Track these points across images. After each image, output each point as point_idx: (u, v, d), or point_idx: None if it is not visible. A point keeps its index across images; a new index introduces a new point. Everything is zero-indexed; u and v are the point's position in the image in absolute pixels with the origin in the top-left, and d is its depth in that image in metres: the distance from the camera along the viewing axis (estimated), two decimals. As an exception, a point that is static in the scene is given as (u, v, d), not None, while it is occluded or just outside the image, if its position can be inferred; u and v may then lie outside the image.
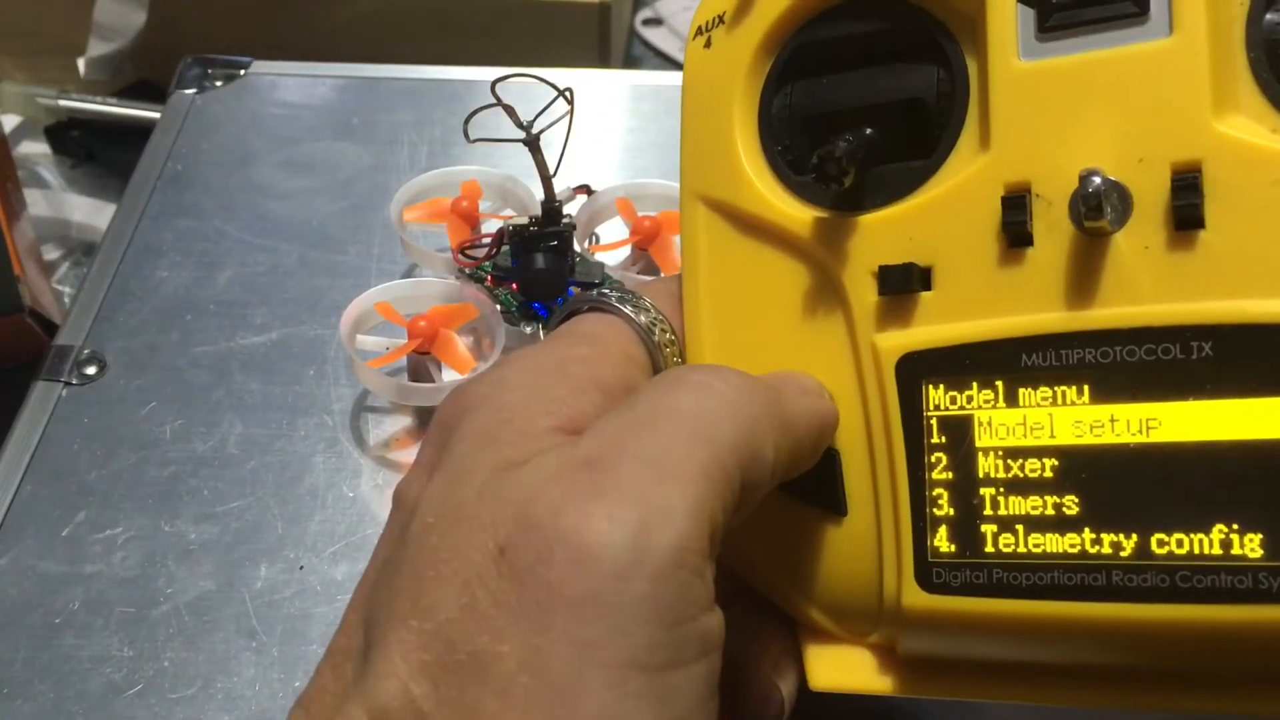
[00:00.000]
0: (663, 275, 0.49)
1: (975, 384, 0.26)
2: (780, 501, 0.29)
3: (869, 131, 0.28)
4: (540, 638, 0.22)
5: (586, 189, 0.50)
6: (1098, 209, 0.24)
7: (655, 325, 0.30)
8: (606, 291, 0.30)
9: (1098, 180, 0.24)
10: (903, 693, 0.28)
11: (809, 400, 0.28)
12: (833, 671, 0.29)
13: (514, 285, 0.46)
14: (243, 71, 0.63)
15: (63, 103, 0.76)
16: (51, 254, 0.70)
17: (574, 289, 0.46)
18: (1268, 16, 0.25)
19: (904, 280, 0.27)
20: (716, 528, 0.24)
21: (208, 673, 0.38)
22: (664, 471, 0.23)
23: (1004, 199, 0.26)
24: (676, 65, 0.83)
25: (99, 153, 0.75)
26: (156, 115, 0.62)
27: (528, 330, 0.47)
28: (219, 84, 0.62)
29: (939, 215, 0.27)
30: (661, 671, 0.22)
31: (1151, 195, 0.25)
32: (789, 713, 0.29)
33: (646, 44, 0.85)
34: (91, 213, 0.72)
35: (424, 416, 0.46)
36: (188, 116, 0.60)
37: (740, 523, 0.25)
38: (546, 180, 0.45)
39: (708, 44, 0.32)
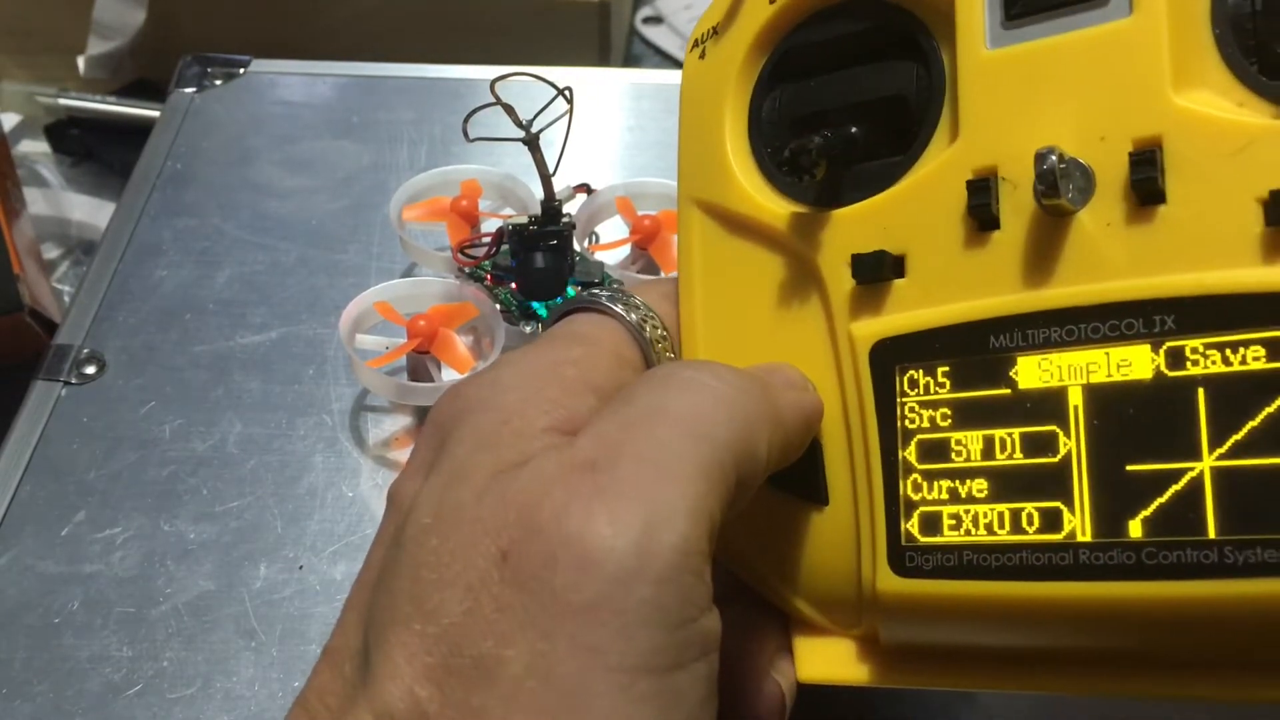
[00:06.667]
0: (661, 275, 0.49)
1: (946, 367, 0.26)
2: (764, 493, 0.29)
3: (854, 130, 0.29)
4: (546, 643, 0.22)
5: (586, 188, 0.50)
6: (1054, 187, 0.25)
7: (646, 322, 0.30)
8: (597, 291, 0.31)
9: (1053, 158, 0.24)
10: (887, 683, 0.28)
11: (795, 394, 0.28)
12: (819, 663, 0.29)
13: (513, 284, 0.46)
14: (242, 70, 0.63)
15: (62, 101, 0.76)
16: (51, 253, 0.70)
17: (574, 288, 0.46)
18: None
19: (876, 268, 0.28)
20: (715, 527, 0.24)
21: (207, 673, 0.38)
22: (663, 472, 0.23)
23: (969, 183, 0.27)
24: (677, 64, 0.83)
25: (98, 151, 0.75)
26: (156, 114, 0.62)
27: (528, 329, 0.46)
28: (218, 82, 0.62)
29: (910, 204, 0.28)
30: (666, 674, 0.22)
31: (1113, 172, 0.25)
32: (791, 708, 0.29)
33: (647, 42, 0.84)
34: (91, 211, 0.72)
35: (424, 416, 0.46)
36: (187, 115, 0.60)
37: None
38: (546, 179, 0.45)
39: (702, 55, 0.33)
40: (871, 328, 0.28)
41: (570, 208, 0.47)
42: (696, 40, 0.33)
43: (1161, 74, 0.25)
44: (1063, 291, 0.25)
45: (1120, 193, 0.25)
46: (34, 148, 0.76)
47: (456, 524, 0.23)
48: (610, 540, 0.22)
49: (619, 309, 0.30)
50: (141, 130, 0.62)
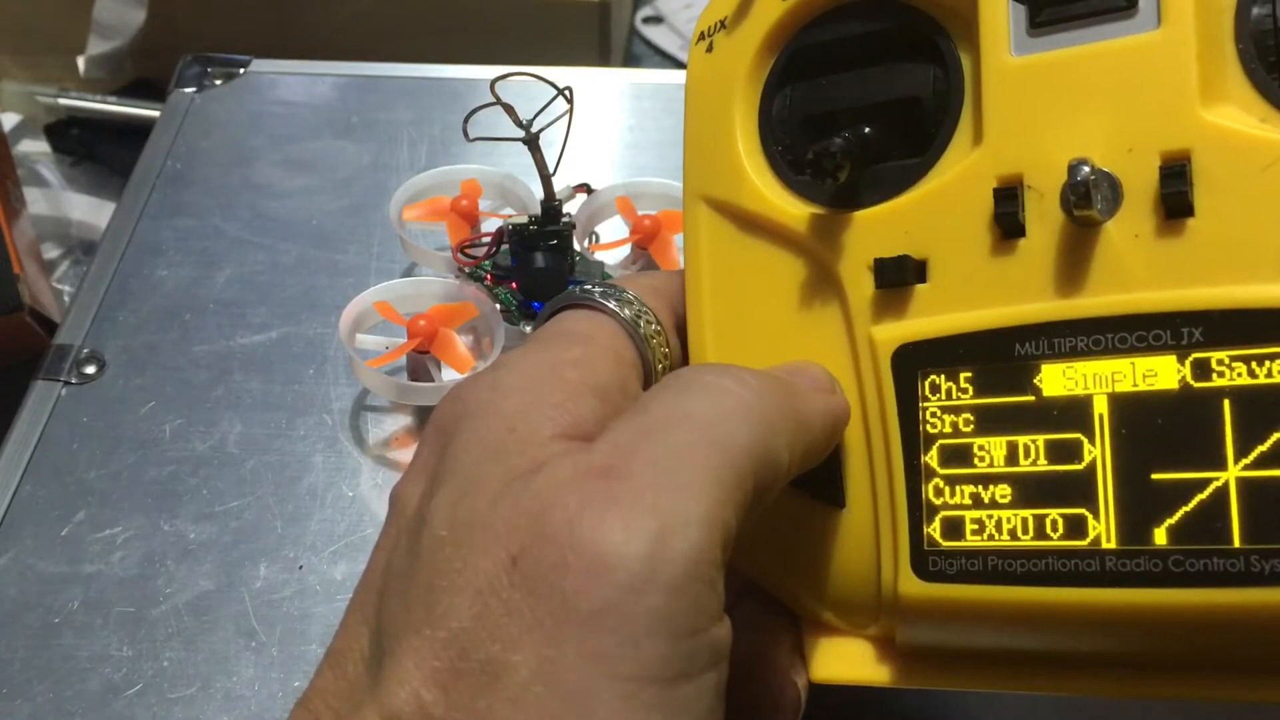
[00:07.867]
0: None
1: (969, 373, 0.26)
2: (781, 495, 0.29)
3: (867, 130, 0.29)
4: (553, 648, 0.22)
5: (586, 188, 0.50)
6: (1086, 197, 0.25)
7: (640, 318, 0.30)
8: (589, 287, 0.30)
9: (1086, 169, 0.25)
10: (902, 684, 0.28)
11: (823, 397, 0.28)
12: (833, 663, 0.29)
13: (514, 284, 0.46)
14: (242, 70, 0.63)
15: (62, 101, 0.76)
16: (51, 253, 0.70)
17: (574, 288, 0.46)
18: (1255, 10, 0.25)
19: (899, 272, 0.28)
20: (729, 536, 0.23)
21: (207, 673, 0.38)
22: (678, 480, 0.23)
23: (996, 191, 0.27)
24: (677, 63, 0.83)
25: (99, 151, 0.75)
26: (156, 114, 0.62)
27: (527, 329, 0.46)
28: (218, 82, 0.62)
29: (933, 209, 0.28)
30: (673, 683, 0.22)
31: (1141, 184, 0.25)
32: (804, 708, 0.29)
33: (647, 42, 0.84)
34: (91, 211, 0.72)
35: (424, 416, 0.46)
36: (187, 115, 0.60)
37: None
38: (546, 179, 0.45)
39: (710, 48, 0.32)
40: (894, 331, 0.28)
41: (570, 208, 0.47)
42: (702, 33, 0.33)
43: (1190, 88, 0.25)
44: (1089, 301, 0.25)
45: (1149, 205, 0.25)
46: (34, 148, 0.76)
47: (470, 532, 0.23)
48: (622, 547, 0.22)
49: (613, 305, 0.29)
50: (141, 130, 0.62)
